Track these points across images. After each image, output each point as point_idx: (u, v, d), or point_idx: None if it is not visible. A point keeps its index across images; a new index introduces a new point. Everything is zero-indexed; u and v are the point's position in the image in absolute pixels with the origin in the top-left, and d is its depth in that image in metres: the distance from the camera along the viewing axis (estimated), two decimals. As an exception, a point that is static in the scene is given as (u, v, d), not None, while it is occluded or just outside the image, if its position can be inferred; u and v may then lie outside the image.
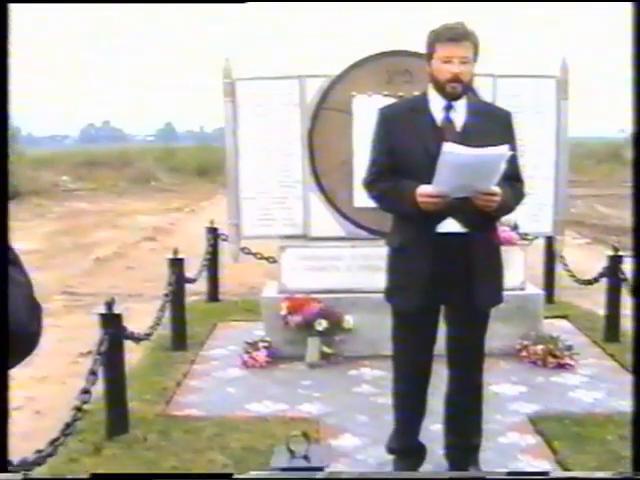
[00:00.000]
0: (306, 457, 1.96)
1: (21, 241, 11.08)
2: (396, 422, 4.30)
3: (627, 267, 7.15)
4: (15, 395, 5.23)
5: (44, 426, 4.81)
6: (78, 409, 4.22)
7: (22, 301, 1.34)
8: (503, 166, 3.59)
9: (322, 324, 6.30)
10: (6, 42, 1.31)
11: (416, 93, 4.31)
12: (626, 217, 18.44)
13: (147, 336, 5.66)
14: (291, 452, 1.90)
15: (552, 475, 3.83)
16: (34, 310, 1.38)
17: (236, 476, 1.53)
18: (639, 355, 2.55)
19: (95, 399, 4.62)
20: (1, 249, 1.31)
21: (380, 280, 4.24)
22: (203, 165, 33.25)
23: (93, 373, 4.50)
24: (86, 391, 4.35)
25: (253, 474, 1.70)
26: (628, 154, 36.63)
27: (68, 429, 4.08)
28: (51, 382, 6.14)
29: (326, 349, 6.42)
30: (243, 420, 5.22)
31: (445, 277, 3.82)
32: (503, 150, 3.57)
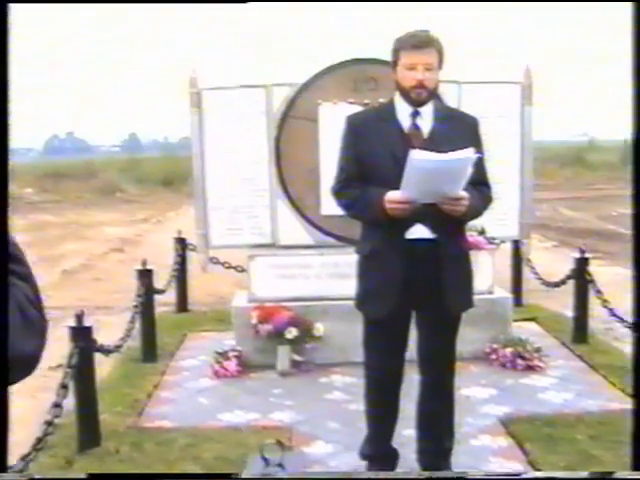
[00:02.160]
0: (280, 465, 1.96)
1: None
2: (369, 428, 4.31)
3: (593, 269, 7.25)
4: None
5: (14, 441, 4.75)
6: (49, 423, 4.19)
7: (13, 317, 1.23)
8: (470, 170, 3.62)
9: (292, 332, 6.30)
10: (6, 43, 1.30)
11: (382, 100, 4.34)
12: (590, 220, 18.69)
13: (117, 348, 5.63)
14: (265, 460, 1.90)
15: (532, 475, 3.87)
16: (30, 326, 1.27)
17: (234, 476, 1.54)
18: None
19: (65, 413, 4.58)
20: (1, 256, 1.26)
21: (349, 287, 4.26)
22: (168, 175, 33.08)
23: (64, 387, 4.47)
24: (57, 405, 4.32)
25: (251, 475, 1.70)
26: (591, 157, 37.13)
27: (39, 444, 4.05)
28: (20, 396, 6.06)
29: (297, 357, 6.42)
30: (215, 430, 5.20)
31: (416, 283, 3.85)
32: (469, 153, 3.59)
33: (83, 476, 4.47)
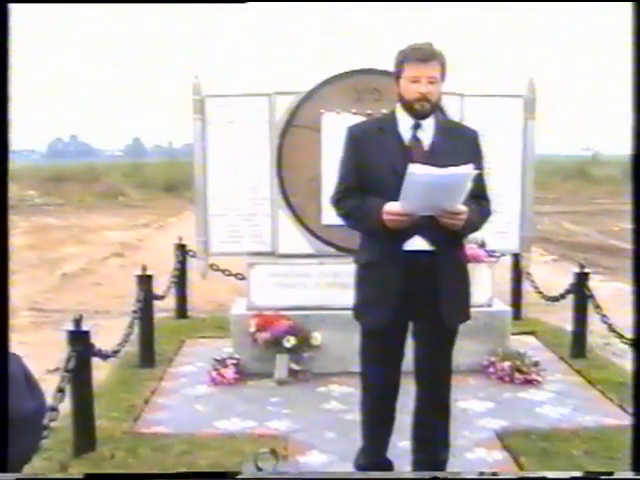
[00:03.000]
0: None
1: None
2: (364, 438, 4.31)
3: (594, 284, 7.25)
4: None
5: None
6: (44, 427, 4.19)
7: (19, 377, 1.26)
8: (469, 185, 3.63)
9: (290, 341, 6.30)
10: (6, 43, 1.31)
11: (385, 111, 4.34)
12: (592, 234, 18.68)
13: (115, 353, 5.63)
14: (259, 469, 1.90)
15: (521, 475, 3.86)
16: (31, 386, 1.30)
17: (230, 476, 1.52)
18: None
19: (61, 416, 4.58)
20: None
21: (348, 297, 4.25)
22: (171, 181, 33.10)
23: (60, 390, 4.47)
24: (53, 408, 4.32)
25: (248, 474, 1.69)
26: (594, 171, 37.17)
27: (34, 447, 4.04)
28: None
29: (294, 366, 6.42)
30: (211, 437, 5.20)
31: (413, 294, 3.85)
32: (468, 169, 3.60)
33: (79, 476, 4.48)
